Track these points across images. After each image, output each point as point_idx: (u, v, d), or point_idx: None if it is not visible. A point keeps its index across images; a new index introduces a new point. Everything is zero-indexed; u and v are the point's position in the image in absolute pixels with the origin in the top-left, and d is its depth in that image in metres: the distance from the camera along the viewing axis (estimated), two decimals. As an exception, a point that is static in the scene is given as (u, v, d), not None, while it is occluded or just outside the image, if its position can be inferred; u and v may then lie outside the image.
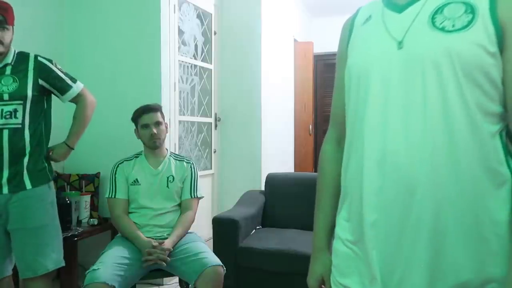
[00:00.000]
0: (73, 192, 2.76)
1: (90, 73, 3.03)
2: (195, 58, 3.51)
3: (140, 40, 2.95)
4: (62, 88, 2.01)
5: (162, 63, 2.94)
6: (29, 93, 1.89)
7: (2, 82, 1.87)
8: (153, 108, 2.29)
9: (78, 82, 2.07)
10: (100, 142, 2.98)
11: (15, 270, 1.96)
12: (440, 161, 0.79)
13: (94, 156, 2.96)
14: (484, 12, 0.78)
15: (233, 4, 3.96)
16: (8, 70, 1.90)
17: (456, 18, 0.80)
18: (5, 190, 1.85)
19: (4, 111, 1.85)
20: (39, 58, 1.97)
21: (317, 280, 1.04)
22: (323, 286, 1.03)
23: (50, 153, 2.01)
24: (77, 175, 2.87)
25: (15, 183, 1.87)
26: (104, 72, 3.03)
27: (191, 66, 3.46)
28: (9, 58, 1.91)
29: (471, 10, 0.79)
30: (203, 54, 3.63)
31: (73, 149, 2.08)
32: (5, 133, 1.85)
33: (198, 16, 3.54)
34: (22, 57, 1.95)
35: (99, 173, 2.89)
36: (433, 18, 0.82)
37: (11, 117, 1.86)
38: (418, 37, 0.83)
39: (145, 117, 2.26)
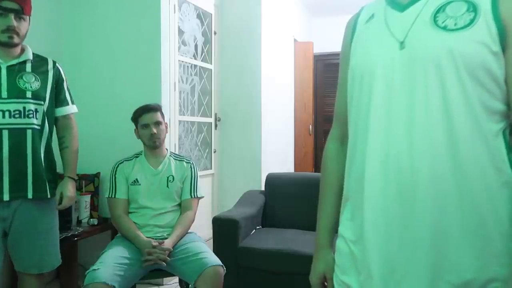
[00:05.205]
0: (73, 192, 2.75)
1: (89, 73, 3.04)
2: (195, 58, 3.51)
3: (140, 40, 2.94)
4: (61, 100, 1.96)
5: (162, 63, 2.94)
6: (48, 95, 1.85)
7: (24, 78, 1.77)
8: (153, 108, 2.29)
9: (75, 105, 2.04)
10: (100, 142, 2.98)
11: (12, 264, 1.91)
12: (442, 162, 0.78)
13: (94, 156, 2.95)
14: (486, 11, 0.78)
15: (233, 4, 3.96)
16: (29, 67, 1.82)
17: (459, 17, 0.80)
18: (6, 197, 1.75)
19: (26, 109, 1.76)
20: (57, 64, 1.95)
21: (319, 278, 1.04)
22: (325, 283, 1.03)
23: (60, 197, 1.90)
24: (77, 175, 2.85)
25: (17, 189, 1.78)
26: (104, 72, 3.03)
27: (191, 66, 3.46)
28: (29, 54, 1.84)
29: (473, 8, 0.79)
30: (203, 54, 3.63)
31: (75, 180, 2.02)
32: (29, 133, 1.77)
33: (198, 16, 3.54)
34: (41, 58, 1.91)
35: (99, 173, 2.89)
36: (435, 16, 0.82)
37: (33, 116, 1.78)
38: (420, 36, 0.82)
39: (145, 117, 2.26)
